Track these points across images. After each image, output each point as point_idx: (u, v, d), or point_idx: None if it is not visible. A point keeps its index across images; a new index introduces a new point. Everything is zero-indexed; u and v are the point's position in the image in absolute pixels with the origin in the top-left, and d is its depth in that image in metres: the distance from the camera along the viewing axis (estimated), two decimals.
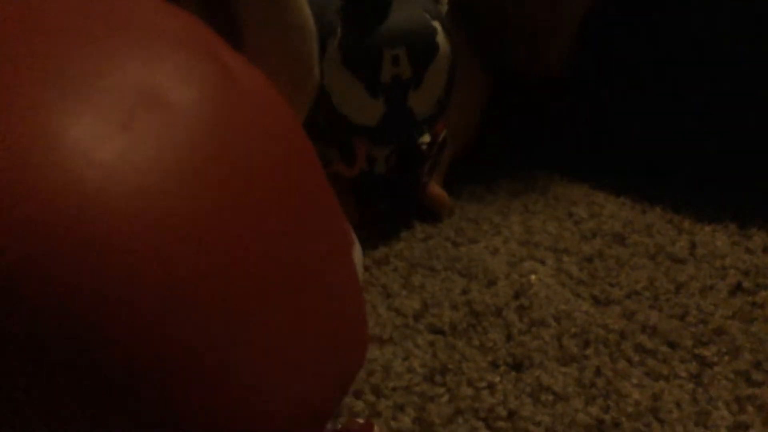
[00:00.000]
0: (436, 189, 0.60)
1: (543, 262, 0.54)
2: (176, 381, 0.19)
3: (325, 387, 0.23)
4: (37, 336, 0.17)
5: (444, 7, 0.57)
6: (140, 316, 0.18)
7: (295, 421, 0.21)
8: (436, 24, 0.53)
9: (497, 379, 0.44)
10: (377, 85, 0.52)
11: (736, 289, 0.51)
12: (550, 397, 0.43)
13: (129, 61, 0.20)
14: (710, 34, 0.60)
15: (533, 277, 0.52)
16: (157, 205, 0.19)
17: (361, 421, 0.29)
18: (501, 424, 0.41)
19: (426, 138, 0.56)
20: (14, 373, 0.18)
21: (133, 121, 0.19)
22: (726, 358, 0.45)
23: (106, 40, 0.21)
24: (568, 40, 0.65)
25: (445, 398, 0.43)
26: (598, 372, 0.44)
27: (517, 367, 0.45)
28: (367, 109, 0.53)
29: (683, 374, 0.44)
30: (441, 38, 0.53)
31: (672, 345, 0.46)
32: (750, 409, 0.42)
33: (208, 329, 0.19)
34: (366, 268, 0.53)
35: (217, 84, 0.21)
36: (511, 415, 0.41)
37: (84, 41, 0.20)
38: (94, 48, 0.20)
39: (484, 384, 0.43)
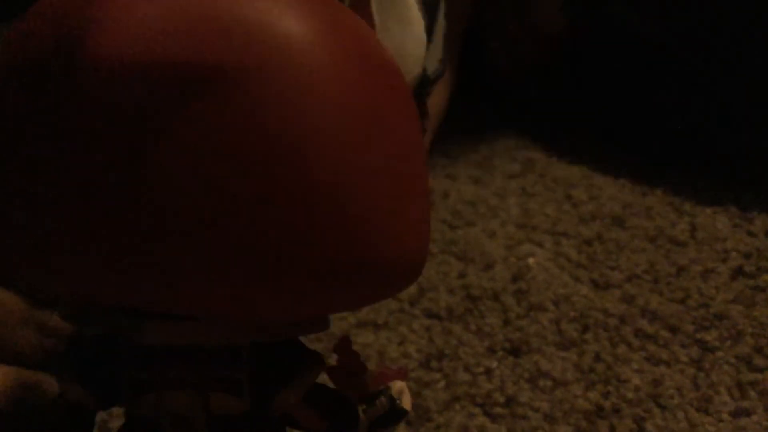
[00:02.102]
0: None
1: (541, 245, 0.53)
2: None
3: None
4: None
5: None
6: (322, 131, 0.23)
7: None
8: None
9: (495, 364, 0.43)
10: None
11: (738, 272, 0.50)
12: (549, 383, 0.42)
13: None
14: (712, 12, 0.59)
15: (531, 260, 0.51)
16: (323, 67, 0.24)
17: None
18: (498, 410, 0.40)
19: None
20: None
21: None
22: (727, 342, 0.45)
23: None
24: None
25: (442, 384, 0.42)
26: (597, 357, 0.43)
27: (515, 352, 0.44)
28: None
29: (684, 359, 0.43)
30: None
31: (673, 329, 0.46)
32: (752, 394, 0.41)
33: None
34: None
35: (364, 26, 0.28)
36: (509, 401, 0.41)
37: None
38: None
39: (481, 369, 0.43)
